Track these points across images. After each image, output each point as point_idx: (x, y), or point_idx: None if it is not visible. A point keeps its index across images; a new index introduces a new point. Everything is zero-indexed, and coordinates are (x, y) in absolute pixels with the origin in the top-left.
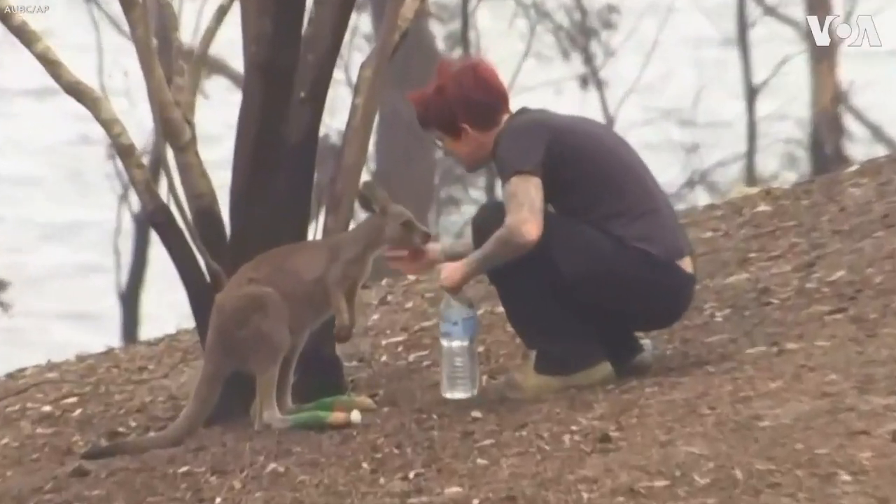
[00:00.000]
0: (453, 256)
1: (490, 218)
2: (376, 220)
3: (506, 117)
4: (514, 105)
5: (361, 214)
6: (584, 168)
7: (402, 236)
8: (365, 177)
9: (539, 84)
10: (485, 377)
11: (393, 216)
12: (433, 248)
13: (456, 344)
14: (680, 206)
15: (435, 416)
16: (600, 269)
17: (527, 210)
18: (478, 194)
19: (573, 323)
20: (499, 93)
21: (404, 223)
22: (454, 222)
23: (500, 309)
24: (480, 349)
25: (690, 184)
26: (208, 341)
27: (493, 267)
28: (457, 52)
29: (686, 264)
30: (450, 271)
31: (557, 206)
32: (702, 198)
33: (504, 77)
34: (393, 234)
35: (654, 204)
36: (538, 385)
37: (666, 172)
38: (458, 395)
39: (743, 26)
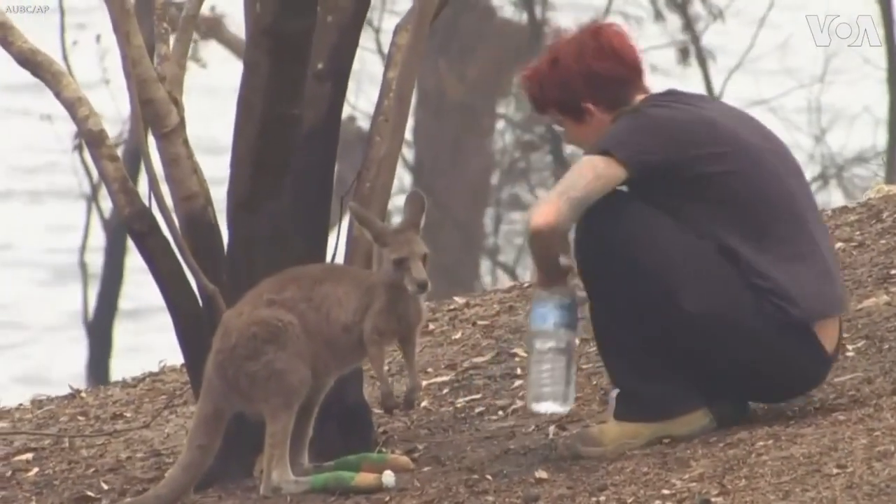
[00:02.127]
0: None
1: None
2: (377, 252)
3: (640, 98)
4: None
5: (396, 218)
6: (726, 192)
7: (394, 278)
8: (400, 170)
9: None
10: (552, 427)
11: (390, 248)
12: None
13: (541, 339)
14: None
15: (489, 478)
16: (724, 311)
17: (555, 195)
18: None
19: (674, 362)
20: (630, 63)
21: (397, 261)
22: (517, 231)
23: None
24: None
25: (817, 181)
26: (207, 371)
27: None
28: (518, 13)
29: (829, 329)
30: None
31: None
32: (831, 199)
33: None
34: (387, 272)
35: (810, 245)
36: (622, 435)
37: None
38: (546, 407)
39: None
